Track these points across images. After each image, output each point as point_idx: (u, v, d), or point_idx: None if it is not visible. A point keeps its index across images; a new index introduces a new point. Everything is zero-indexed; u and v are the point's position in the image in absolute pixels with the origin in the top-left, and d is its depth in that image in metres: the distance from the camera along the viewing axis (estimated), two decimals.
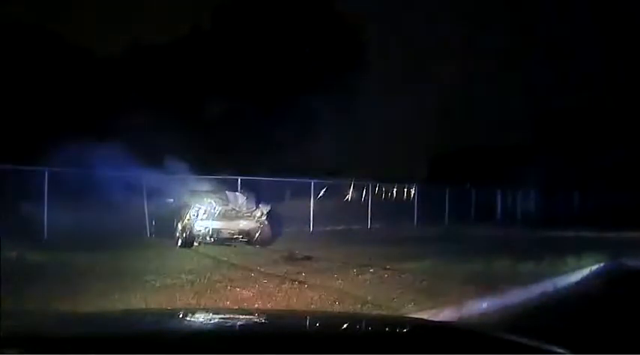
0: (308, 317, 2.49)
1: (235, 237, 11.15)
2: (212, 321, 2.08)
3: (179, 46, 22.96)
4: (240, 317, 2.27)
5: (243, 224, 11.24)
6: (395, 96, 27.29)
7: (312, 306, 5.12)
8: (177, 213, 10.99)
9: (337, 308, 5.15)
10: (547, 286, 7.10)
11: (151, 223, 12.64)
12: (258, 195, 12.53)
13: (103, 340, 1.55)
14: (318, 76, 21.99)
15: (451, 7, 29.92)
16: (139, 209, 12.68)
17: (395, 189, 19.85)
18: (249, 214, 11.49)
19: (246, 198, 12.09)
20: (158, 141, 14.40)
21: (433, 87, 27.97)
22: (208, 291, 5.74)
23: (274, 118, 20.98)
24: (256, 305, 5.13)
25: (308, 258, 8.82)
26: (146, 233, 12.54)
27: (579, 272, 8.30)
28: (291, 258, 8.79)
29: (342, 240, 12.80)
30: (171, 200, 11.81)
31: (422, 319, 3.82)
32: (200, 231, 10.77)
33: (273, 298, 5.49)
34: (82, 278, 6.19)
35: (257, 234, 11.15)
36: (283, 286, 6.11)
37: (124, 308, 4.50)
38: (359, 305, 5.24)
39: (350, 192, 18.34)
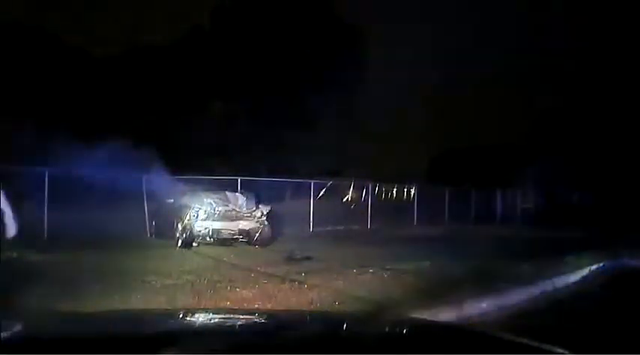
0: (308, 317, 2.49)
1: (235, 237, 11.16)
2: (212, 321, 2.08)
3: (179, 47, 22.97)
4: (240, 317, 2.27)
5: (243, 224, 11.24)
6: (395, 96, 27.30)
7: (312, 306, 5.12)
8: (177, 214, 11.00)
9: (337, 308, 5.15)
10: (546, 286, 7.09)
11: (151, 223, 12.64)
12: (258, 195, 12.53)
13: (103, 340, 1.55)
14: (318, 75, 21.98)
15: (451, 7, 29.97)
16: (139, 209, 12.69)
17: (395, 189, 19.86)
18: (249, 214, 11.49)
19: (246, 199, 12.10)
20: (158, 141, 14.40)
21: (433, 87, 27.97)
22: (209, 291, 5.75)
23: (274, 118, 20.98)
24: (256, 305, 5.13)
25: (308, 258, 8.81)
26: (146, 233, 12.54)
27: (579, 272, 8.30)
28: (291, 259, 8.79)
29: (342, 240, 12.79)
30: (171, 200, 11.82)
31: (422, 319, 3.81)
32: (200, 231, 10.78)
33: (273, 298, 5.49)
34: (82, 279, 6.19)
35: (257, 235, 11.15)
36: (283, 286, 6.11)
37: (124, 308, 4.50)
38: (359, 305, 5.24)
39: (350, 192, 18.34)
